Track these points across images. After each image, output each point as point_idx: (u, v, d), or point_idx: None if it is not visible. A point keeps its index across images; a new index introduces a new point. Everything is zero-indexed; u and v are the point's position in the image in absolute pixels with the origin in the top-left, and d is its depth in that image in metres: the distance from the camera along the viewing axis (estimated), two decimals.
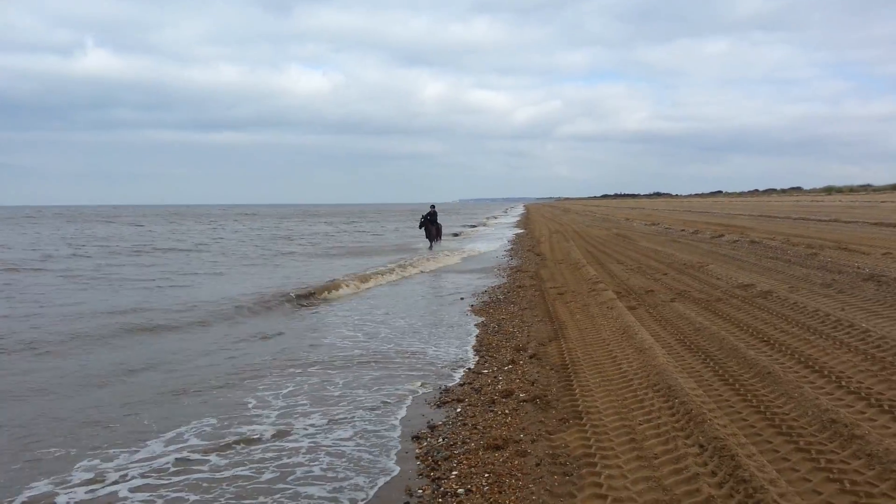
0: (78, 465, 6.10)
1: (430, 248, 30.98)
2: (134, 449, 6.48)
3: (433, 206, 32.50)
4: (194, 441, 6.68)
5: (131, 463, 6.14)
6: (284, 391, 8.37)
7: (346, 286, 17.83)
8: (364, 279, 19.28)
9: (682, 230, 35.29)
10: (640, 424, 6.17)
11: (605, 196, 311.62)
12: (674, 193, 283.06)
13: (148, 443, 6.63)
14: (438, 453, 6.14)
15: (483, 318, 12.90)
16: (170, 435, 6.84)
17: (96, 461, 6.18)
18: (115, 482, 5.75)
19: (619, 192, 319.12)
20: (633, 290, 14.37)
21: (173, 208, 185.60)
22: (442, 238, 33.44)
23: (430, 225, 31.59)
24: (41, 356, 10.27)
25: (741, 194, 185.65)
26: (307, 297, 16.06)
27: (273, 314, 14.30)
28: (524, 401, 7.32)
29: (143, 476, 5.86)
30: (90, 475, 5.88)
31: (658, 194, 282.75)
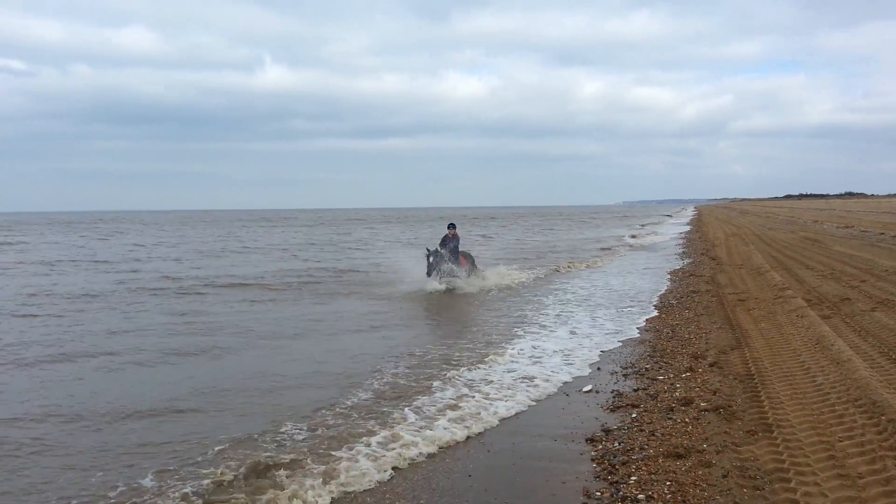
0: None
1: (436, 281, 17.88)
2: None
3: (453, 227, 19.29)
4: None
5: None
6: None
7: None
8: None
9: (882, 233, 31.83)
10: (840, 441, 5.70)
11: (787, 197, 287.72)
12: (869, 193, 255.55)
13: None
14: (615, 457, 6.06)
15: (655, 324, 12.48)
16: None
17: None
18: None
19: (803, 193, 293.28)
20: (826, 298, 13.21)
21: (345, 212, 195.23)
22: (475, 270, 19.20)
23: (440, 258, 18.18)
24: None
25: None
26: None
27: None
28: (706, 410, 7.01)
29: None
30: None
31: (850, 194, 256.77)
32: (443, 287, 17.72)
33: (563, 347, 10.79)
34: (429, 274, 18.00)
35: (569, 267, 24.44)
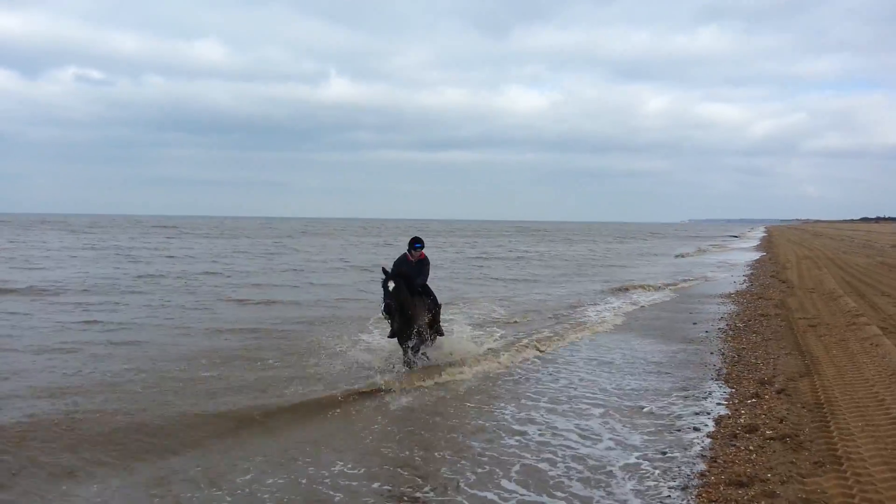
0: None
1: (408, 363, 10.04)
2: None
3: (418, 244, 10.49)
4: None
5: None
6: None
7: None
8: None
9: None
10: None
11: (863, 219, 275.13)
12: None
13: None
14: (673, 482, 5.95)
15: (720, 347, 12.15)
16: None
17: None
18: None
19: (880, 216, 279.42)
20: None
21: (403, 222, 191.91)
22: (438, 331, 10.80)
23: (407, 296, 9.93)
24: None
25: None
26: None
27: None
28: (771, 438, 6.80)
29: None
30: None
31: None
32: (408, 360, 10.15)
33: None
34: (394, 332, 10.09)
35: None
